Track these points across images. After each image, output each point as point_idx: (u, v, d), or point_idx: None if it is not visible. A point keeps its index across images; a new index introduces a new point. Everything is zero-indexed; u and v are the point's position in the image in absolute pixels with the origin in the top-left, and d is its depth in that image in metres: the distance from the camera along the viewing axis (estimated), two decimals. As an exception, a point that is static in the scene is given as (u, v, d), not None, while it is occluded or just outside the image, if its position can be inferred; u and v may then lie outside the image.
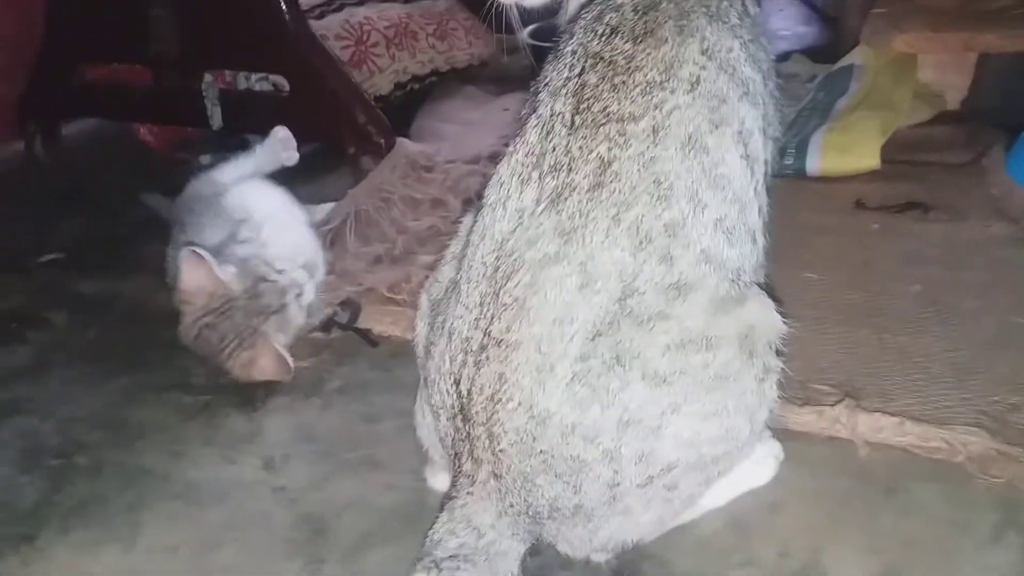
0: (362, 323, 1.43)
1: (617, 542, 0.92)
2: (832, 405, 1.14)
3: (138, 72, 2.09)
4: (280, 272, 1.34)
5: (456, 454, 0.90)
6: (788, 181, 1.72)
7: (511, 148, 0.90)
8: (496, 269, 0.85)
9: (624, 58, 0.86)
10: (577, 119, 0.85)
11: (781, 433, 1.07)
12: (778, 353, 0.88)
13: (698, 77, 0.85)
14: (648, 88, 0.84)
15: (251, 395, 1.29)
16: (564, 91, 0.87)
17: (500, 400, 0.84)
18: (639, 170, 0.83)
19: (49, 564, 1.01)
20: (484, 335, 0.85)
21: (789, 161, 1.78)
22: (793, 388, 0.94)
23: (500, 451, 0.85)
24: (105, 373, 1.37)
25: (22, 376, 1.38)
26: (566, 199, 0.83)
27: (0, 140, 2.26)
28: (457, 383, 0.87)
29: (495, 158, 1.83)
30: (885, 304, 1.39)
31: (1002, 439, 1.08)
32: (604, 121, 0.84)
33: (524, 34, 2.50)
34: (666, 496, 0.88)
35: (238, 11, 1.88)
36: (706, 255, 0.84)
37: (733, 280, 0.86)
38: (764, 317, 0.87)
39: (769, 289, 0.92)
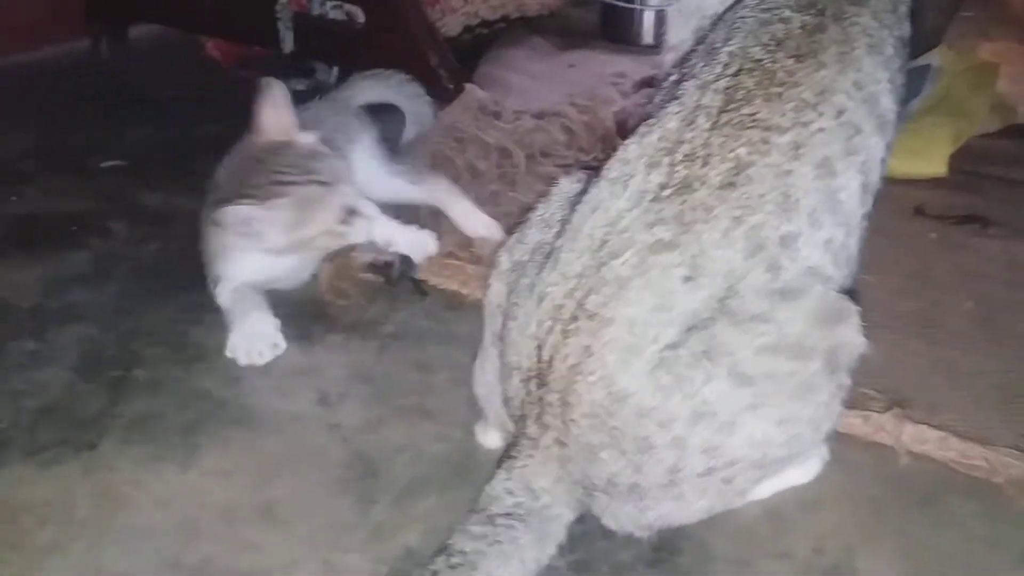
0: (417, 273, 1.44)
1: (664, 523, 0.94)
2: (879, 412, 1.15)
3: (213, -16, 2.07)
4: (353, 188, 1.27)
5: (522, 416, 0.92)
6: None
7: (643, 130, 0.91)
8: (604, 244, 0.86)
9: (785, 72, 0.88)
10: (723, 117, 0.87)
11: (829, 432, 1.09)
12: (849, 371, 0.91)
13: (845, 107, 0.88)
14: (800, 106, 0.87)
15: (308, 329, 1.32)
16: (715, 87, 0.88)
17: (581, 372, 0.85)
18: (772, 179, 0.84)
19: (110, 474, 1.05)
20: (578, 306, 0.86)
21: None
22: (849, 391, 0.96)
23: (571, 420, 0.87)
24: (165, 289, 1.39)
25: (82, 282, 1.41)
26: (695, 191, 0.84)
27: (66, 36, 2.25)
28: (540, 348, 0.89)
29: (560, 116, 1.87)
30: (938, 317, 1.39)
31: (1042, 466, 1.09)
32: (751, 125, 0.86)
33: (597, -11, 2.48)
34: (721, 488, 0.90)
35: (320, -66, 1.86)
36: (812, 271, 0.86)
37: (839, 292, 0.88)
38: (853, 337, 0.89)
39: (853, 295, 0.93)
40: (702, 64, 0.93)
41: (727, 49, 0.92)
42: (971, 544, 1.01)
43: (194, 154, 1.75)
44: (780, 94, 0.87)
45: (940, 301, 1.43)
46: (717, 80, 0.89)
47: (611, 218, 0.87)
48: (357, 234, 1.29)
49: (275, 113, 1.25)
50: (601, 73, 2.13)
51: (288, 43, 1.94)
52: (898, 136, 1.77)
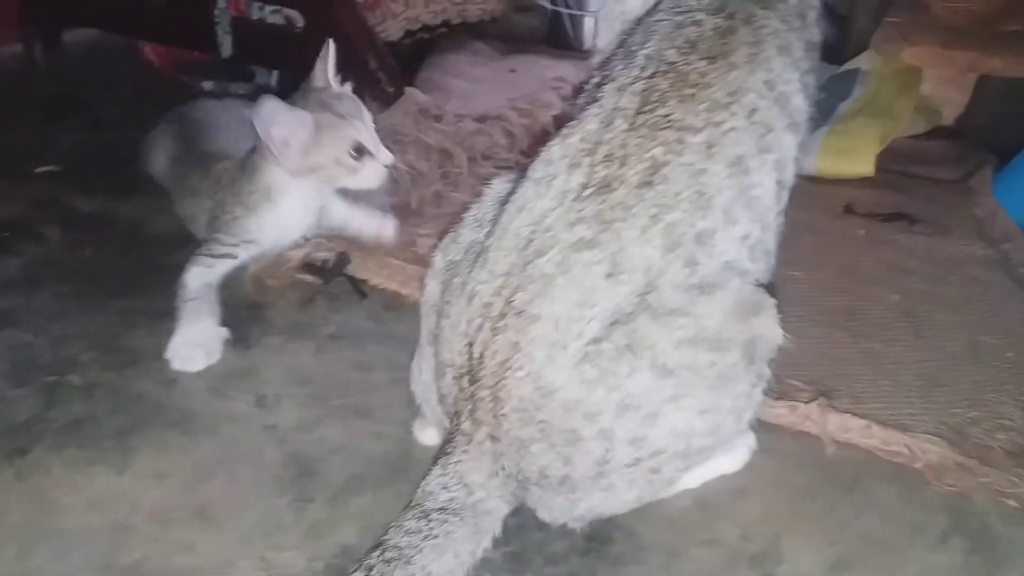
0: (357, 274, 1.45)
1: (595, 514, 0.97)
2: (805, 402, 1.20)
3: (149, -12, 2.05)
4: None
5: (456, 412, 0.94)
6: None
7: (565, 131, 0.93)
8: (529, 242, 0.88)
9: (697, 74, 0.91)
10: (639, 118, 0.89)
11: (754, 423, 1.12)
12: (768, 362, 0.94)
13: (756, 106, 0.91)
14: (713, 106, 0.89)
15: (245, 331, 1.31)
16: (632, 89, 0.91)
17: (510, 367, 0.87)
18: (687, 178, 0.87)
19: (43, 479, 1.04)
20: (506, 303, 0.88)
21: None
22: (769, 381, 0.99)
23: (502, 415, 0.89)
24: (99, 294, 1.38)
25: (13, 288, 1.39)
26: (614, 190, 0.87)
27: (-1, 42, 2.22)
28: (471, 345, 0.91)
29: (501, 119, 1.89)
30: (864, 310, 1.44)
31: (959, 450, 1.13)
32: (665, 126, 0.88)
33: (541, -6, 2.51)
34: (649, 478, 0.92)
35: (259, -63, 1.86)
36: (729, 266, 0.89)
37: (757, 284, 0.91)
38: (770, 329, 0.92)
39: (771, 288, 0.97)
40: (620, 67, 0.95)
41: (643, 52, 0.95)
42: (893, 527, 1.05)
43: (130, 158, 1.74)
44: (693, 95, 0.90)
45: (867, 295, 1.48)
46: (634, 82, 0.92)
47: (536, 217, 0.89)
48: (367, 175, 1.38)
49: (322, 67, 1.41)
50: (541, 77, 2.16)
51: (227, 48, 1.94)
52: (828, 137, 1.86)
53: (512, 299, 0.88)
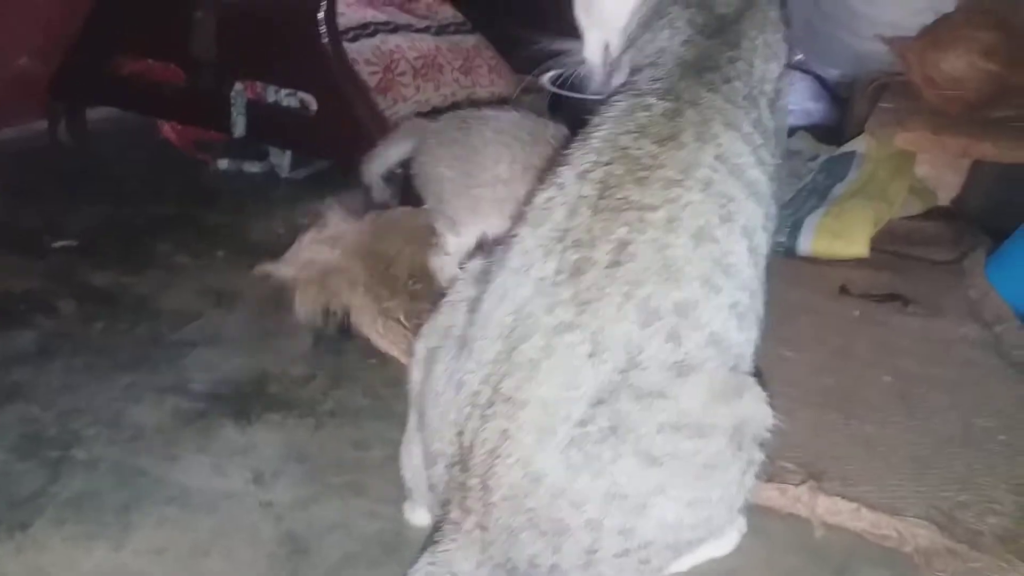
0: (363, 332, 1.51)
1: (584, 603, 0.97)
2: (795, 485, 1.20)
3: (171, 71, 2.15)
4: None
5: (446, 500, 0.95)
6: (778, 259, 1.79)
7: (535, 220, 0.96)
8: (513, 330, 0.91)
9: (649, 157, 0.95)
10: (601, 203, 0.93)
11: (744, 504, 1.13)
12: (761, 445, 0.95)
13: (711, 179, 0.94)
14: (667, 184, 0.93)
15: (246, 408, 1.34)
16: (591, 176, 0.95)
17: (500, 455, 0.89)
18: (652, 253, 0.90)
19: (42, 554, 1.06)
20: (493, 391, 0.90)
21: (782, 239, 1.86)
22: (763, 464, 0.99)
23: (491, 503, 0.90)
24: (107, 368, 1.42)
25: (25, 361, 1.43)
26: (585, 273, 0.90)
27: (25, 118, 2.31)
28: (461, 434, 0.92)
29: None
30: (856, 391, 1.45)
31: (949, 535, 1.13)
32: (626, 208, 0.92)
33: (544, 79, 2.60)
34: (638, 568, 0.93)
35: (278, 25, 1.97)
36: (715, 337, 0.91)
37: (733, 368, 0.93)
38: (757, 411, 0.93)
39: (756, 367, 0.99)
40: (579, 150, 0.99)
41: (598, 134, 0.99)
42: (881, 613, 1.06)
43: (146, 234, 1.81)
44: (647, 177, 0.93)
45: (859, 376, 1.49)
46: (592, 169, 0.96)
47: (517, 305, 0.92)
48: None
49: None
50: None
51: (240, 128, 2.01)
52: (823, 219, 1.90)
53: (499, 386, 0.90)
